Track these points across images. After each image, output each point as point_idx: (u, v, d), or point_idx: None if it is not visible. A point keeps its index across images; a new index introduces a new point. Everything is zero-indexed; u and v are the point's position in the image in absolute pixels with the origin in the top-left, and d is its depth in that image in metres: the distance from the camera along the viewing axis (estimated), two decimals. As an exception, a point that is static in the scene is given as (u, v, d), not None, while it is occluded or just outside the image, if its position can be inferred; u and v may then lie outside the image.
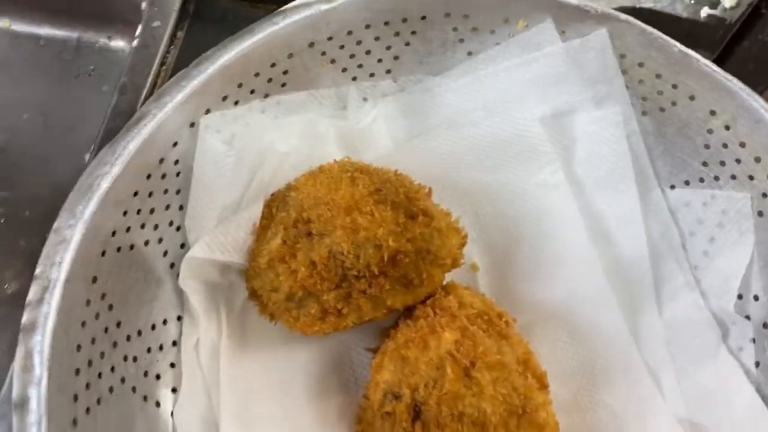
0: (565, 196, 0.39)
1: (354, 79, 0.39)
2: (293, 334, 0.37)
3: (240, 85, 0.36)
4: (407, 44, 0.39)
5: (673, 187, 0.39)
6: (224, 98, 0.36)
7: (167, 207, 0.36)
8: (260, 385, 0.36)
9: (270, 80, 0.37)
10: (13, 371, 0.30)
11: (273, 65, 0.36)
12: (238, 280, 0.37)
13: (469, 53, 0.39)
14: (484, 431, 0.31)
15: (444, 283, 0.37)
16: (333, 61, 0.38)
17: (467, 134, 0.39)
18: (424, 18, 0.39)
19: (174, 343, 0.36)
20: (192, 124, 0.35)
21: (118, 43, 0.45)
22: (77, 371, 0.31)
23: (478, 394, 0.32)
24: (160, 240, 0.36)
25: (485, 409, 0.31)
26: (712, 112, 0.37)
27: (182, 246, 0.37)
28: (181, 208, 0.37)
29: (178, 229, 0.37)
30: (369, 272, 0.34)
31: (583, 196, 0.39)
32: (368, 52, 0.38)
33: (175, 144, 0.35)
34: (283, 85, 0.38)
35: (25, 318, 0.30)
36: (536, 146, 0.39)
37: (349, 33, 0.38)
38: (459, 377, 0.32)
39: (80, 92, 0.45)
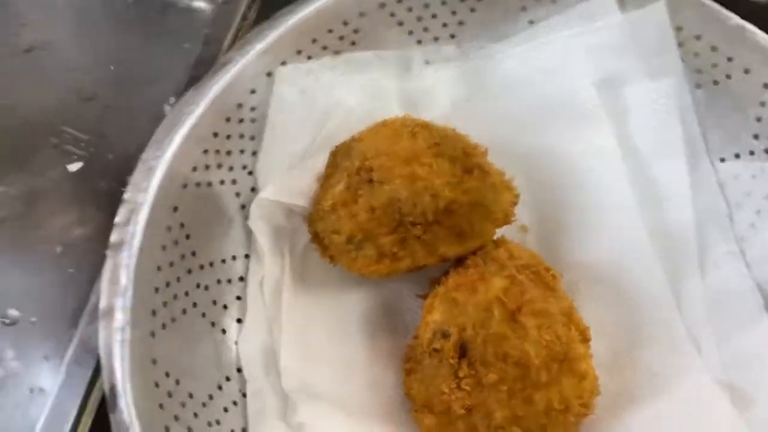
0: (615, 163, 0.41)
1: (419, 42, 0.42)
2: (350, 278, 0.39)
3: (314, 41, 0.39)
4: (472, 10, 0.41)
5: (723, 160, 0.40)
6: (299, 52, 0.39)
7: (242, 151, 0.39)
8: (317, 322, 0.39)
9: (341, 38, 0.40)
10: (101, 284, 0.33)
11: (345, 23, 0.39)
12: (301, 224, 0.40)
13: (531, 22, 0.41)
14: (527, 372, 0.33)
15: (495, 238, 0.39)
16: (401, 24, 0.40)
17: (523, 98, 0.41)
18: (490, -16, 0.41)
19: (241, 279, 0.39)
20: (269, 74, 0.38)
21: (200, 4, 0.48)
22: (156, 289, 0.34)
23: (522, 337, 0.34)
24: (234, 181, 0.39)
25: (528, 352, 0.33)
26: (766, 86, 0.38)
27: (252, 190, 0.40)
28: (254, 153, 0.39)
29: (250, 173, 0.40)
30: (424, 219, 0.36)
31: (633, 164, 0.41)
32: (434, 16, 0.41)
33: (252, 91, 0.38)
34: (353, 43, 0.40)
35: (114, 237, 0.33)
36: (590, 113, 0.41)
37: (418, -4, 0.40)
38: (505, 320, 0.34)
39: (163, 49, 0.48)
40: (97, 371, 0.37)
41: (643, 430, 0.36)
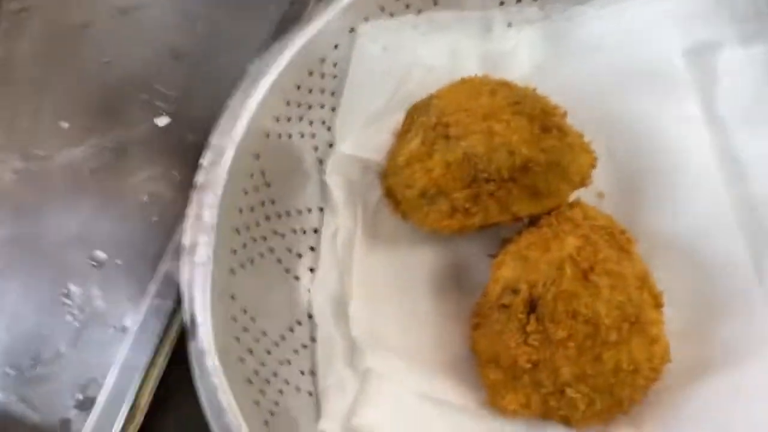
0: (699, 132, 0.39)
1: (501, 4, 0.42)
2: (421, 236, 0.40)
3: (397, -1, 0.39)
4: (556, -28, 0.41)
5: None
6: (382, 9, 0.39)
7: (322, 106, 0.40)
8: (387, 276, 0.40)
9: (424, -4, 0.40)
10: (185, 222, 0.35)
11: (428, -19, 0.40)
12: (375, 181, 0.41)
13: (616, -17, 0.41)
14: (597, 330, 0.33)
15: (570, 200, 0.38)
16: (484, -16, 0.40)
17: (607, 62, 0.40)
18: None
19: (315, 231, 0.40)
20: (352, 30, 0.39)
21: (286, -33, 0.50)
22: (237, 230, 0.35)
23: (594, 296, 0.33)
24: (313, 135, 0.40)
25: (599, 311, 0.33)
26: None
27: (330, 146, 0.41)
28: (333, 109, 0.40)
29: (329, 129, 0.41)
30: (499, 176, 0.36)
31: (718, 133, 0.40)
32: (517, -23, 0.41)
33: (336, 46, 0.38)
34: (435, 3, 0.41)
35: (200, 178, 0.35)
36: (675, 79, 0.40)
37: (503, -45, 0.40)
38: (577, 278, 0.34)
39: (249, 10, 0.50)
40: (177, 306, 0.39)
41: (717, 402, 0.35)
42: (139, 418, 0.38)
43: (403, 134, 0.40)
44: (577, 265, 0.34)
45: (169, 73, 0.50)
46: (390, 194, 0.40)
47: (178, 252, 0.34)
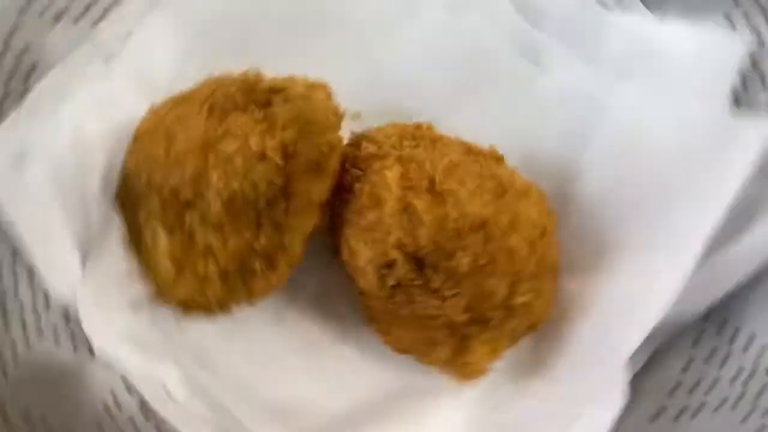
0: None
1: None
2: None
3: None
4: None
5: None
6: None
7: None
8: None
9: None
10: None
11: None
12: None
13: None
14: (487, 229, 0.29)
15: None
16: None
17: None
18: None
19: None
20: None
21: None
22: None
23: (454, 203, 0.29)
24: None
25: (473, 212, 0.29)
26: None
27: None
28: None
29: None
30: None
31: None
32: None
33: None
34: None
35: None
36: None
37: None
38: (429, 203, 0.29)
39: None
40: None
41: None
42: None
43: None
44: (415, 190, 0.29)
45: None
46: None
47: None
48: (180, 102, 0.30)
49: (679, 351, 0.31)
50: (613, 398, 0.27)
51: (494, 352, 0.30)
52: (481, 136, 0.33)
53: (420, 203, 0.28)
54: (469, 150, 0.32)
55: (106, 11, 0.33)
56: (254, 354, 0.33)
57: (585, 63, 0.33)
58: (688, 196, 0.29)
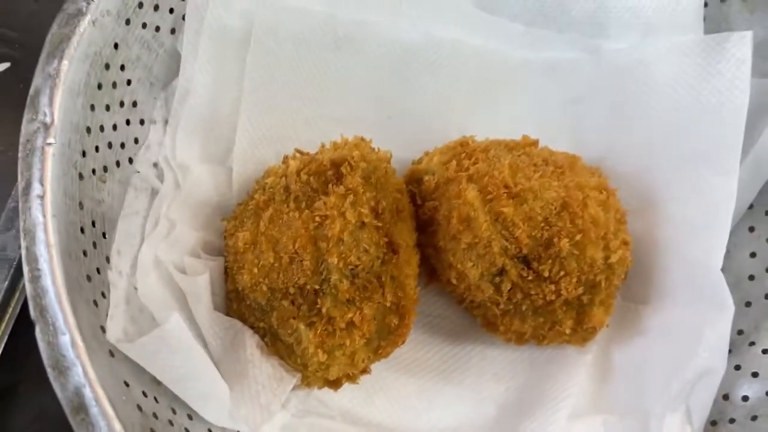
0: None
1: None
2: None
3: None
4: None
5: None
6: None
7: None
8: None
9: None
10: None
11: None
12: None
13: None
14: (572, 214, 0.32)
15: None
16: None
17: None
18: None
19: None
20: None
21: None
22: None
23: (536, 196, 0.32)
24: None
25: (552, 197, 0.32)
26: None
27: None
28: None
29: None
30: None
31: None
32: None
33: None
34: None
35: None
36: None
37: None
38: (514, 205, 0.32)
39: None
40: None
41: None
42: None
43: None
44: (500, 200, 0.32)
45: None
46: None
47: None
48: (257, 210, 0.32)
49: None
50: (724, 303, 0.31)
51: (609, 308, 0.34)
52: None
53: (507, 209, 0.31)
54: (509, 145, 0.35)
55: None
56: (398, 401, 0.35)
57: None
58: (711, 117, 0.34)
